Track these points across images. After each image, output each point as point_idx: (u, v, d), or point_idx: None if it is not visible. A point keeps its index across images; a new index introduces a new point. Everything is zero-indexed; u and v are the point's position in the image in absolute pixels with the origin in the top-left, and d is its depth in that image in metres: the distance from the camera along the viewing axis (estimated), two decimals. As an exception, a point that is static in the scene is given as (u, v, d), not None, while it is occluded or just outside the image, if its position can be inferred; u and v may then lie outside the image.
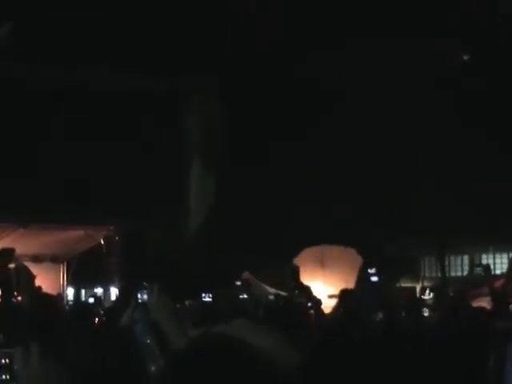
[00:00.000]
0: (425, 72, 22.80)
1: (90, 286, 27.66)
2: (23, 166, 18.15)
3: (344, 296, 10.20)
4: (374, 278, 30.91)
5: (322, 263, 15.12)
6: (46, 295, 11.04)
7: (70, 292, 21.17)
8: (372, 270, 30.45)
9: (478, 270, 30.94)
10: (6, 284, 10.98)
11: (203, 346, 1.85)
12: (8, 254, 12.67)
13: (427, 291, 27.37)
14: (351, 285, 15.32)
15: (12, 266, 12.02)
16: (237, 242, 29.64)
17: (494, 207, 28.18)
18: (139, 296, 8.61)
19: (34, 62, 18.29)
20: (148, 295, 3.05)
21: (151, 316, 2.83)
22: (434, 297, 19.92)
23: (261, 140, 25.40)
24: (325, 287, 15.16)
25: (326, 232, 29.69)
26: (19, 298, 10.18)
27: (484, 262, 36.82)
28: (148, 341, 2.60)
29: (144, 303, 3.05)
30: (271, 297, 22.43)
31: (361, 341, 6.35)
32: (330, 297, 15.33)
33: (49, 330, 6.84)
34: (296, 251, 30.74)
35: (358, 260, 15.59)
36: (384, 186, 27.76)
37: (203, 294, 22.33)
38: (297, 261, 15.71)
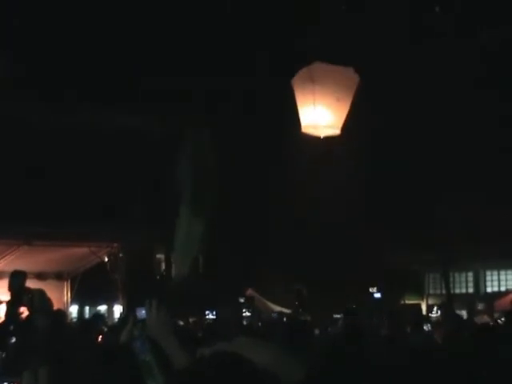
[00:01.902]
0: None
1: (93, 304, 27.66)
2: (28, 184, 18.19)
3: (348, 312, 10.20)
4: (377, 295, 31.01)
5: (312, 79, 13.53)
6: (57, 312, 11.05)
7: (74, 309, 21.13)
8: (373, 289, 30.62)
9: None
10: (17, 304, 10.94)
11: (204, 364, 1.85)
12: (20, 275, 12.67)
13: (435, 308, 27.47)
14: (345, 105, 13.50)
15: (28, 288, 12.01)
16: (242, 259, 29.66)
17: (500, 223, 28.13)
18: (138, 313, 8.58)
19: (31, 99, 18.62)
20: (146, 312, 3.04)
21: (150, 333, 2.82)
22: (442, 314, 19.88)
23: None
24: (315, 107, 13.71)
25: (329, 246, 29.78)
26: (22, 316, 10.16)
27: (488, 278, 36.80)
28: (147, 358, 2.59)
29: (143, 320, 3.04)
30: (274, 314, 22.46)
31: (365, 356, 6.33)
32: None
33: (58, 349, 6.83)
34: (304, 270, 30.85)
35: (355, 78, 14.06)
36: (388, 200, 27.73)
37: (207, 312, 22.41)
38: (292, 82, 13.85)
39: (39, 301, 9.91)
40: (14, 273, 12.92)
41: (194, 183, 3.43)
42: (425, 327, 11.34)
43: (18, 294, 11.13)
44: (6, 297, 11.99)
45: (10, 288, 12.11)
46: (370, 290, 30.15)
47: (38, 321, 8.98)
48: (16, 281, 12.18)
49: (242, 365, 1.82)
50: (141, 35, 19.87)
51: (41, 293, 10.48)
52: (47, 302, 10.11)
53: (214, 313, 22.99)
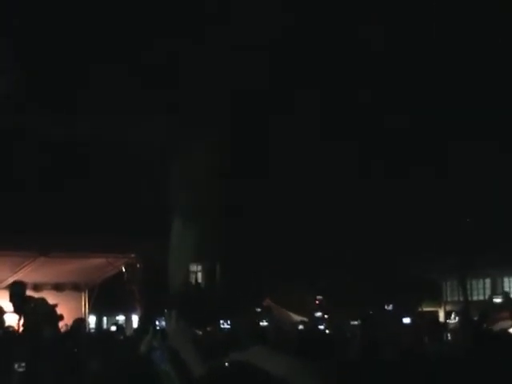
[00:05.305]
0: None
1: (111, 314, 27.68)
2: (44, 196, 18.27)
3: (366, 323, 10.20)
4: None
5: None
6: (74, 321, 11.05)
7: (92, 320, 21.16)
8: (389, 307, 30.56)
9: (498, 299, 30.77)
10: (22, 314, 10.98)
11: (220, 374, 1.87)
12: (20, 286, 12.72)
13: (453, 315, 27.32)
14: None
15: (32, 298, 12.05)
16: (260, 268, 29.63)
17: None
18: (157, 323, 8.59)
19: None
20: (166, 322, 3.07)
21: (169, 343, 2.84)
22: (460, 321, 19.72)
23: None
24: None
25: (345, 254, 29.74)
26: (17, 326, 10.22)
27: (506, 285, 36.57)
28: (166, 367, 2.61)
29: (162, 330, 3.06)
30: (293, 323, 22.40)
31: (383, 365, 6.33)
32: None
33: (71, 359, 6.85)
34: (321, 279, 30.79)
35: None
36: (404, 208, 27.66)
37: (221, 321, 22.33)
38: None
39: (41, 310, 9.93)
40: (14, 283, 12.95)
41: (186, 197, 3.43)
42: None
43: (20, 304, 11.18)
44: (10, 308, 12.04)
45: (12, 299, 12.15)
46: (386, 307, 30.06)
47: (44, 331, 8.99)
48: (16, 291, 12.21)
49: (256, 375, 1.83)
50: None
51: (42, 301, 10.51)
52: (50, 310, 10.13)
53: (229, 322, 22.94)
